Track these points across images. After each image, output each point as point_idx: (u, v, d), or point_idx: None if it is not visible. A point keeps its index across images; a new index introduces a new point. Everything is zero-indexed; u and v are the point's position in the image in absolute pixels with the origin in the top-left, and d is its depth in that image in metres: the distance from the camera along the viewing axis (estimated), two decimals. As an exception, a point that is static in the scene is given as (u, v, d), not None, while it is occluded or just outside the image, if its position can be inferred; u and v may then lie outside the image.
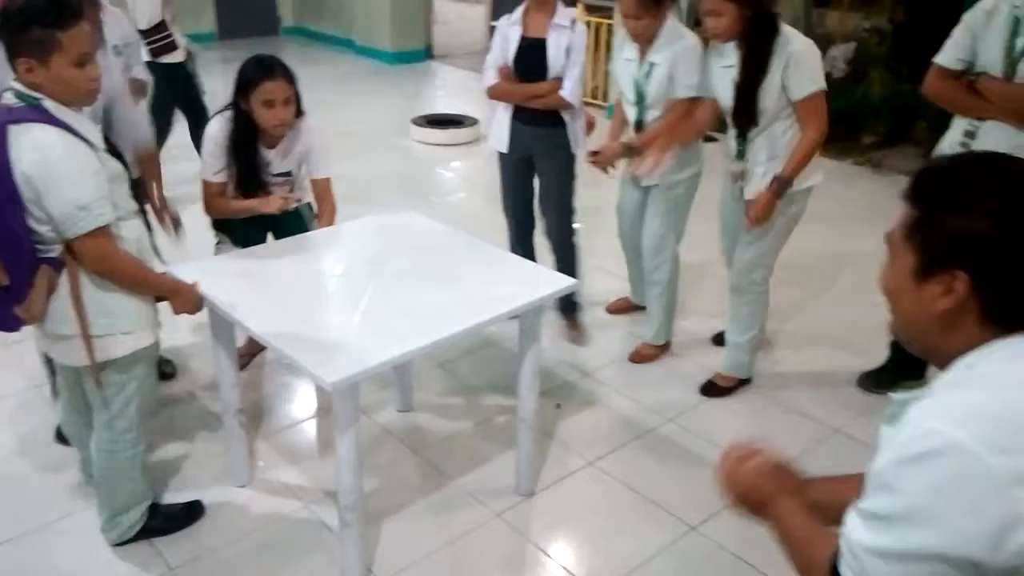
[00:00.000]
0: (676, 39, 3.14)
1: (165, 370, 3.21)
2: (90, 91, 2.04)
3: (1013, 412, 0.96)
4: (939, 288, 1.05)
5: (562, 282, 2.61)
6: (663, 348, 3.64)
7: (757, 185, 3.00)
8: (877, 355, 3.38)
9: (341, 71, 9.10)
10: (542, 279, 2.63)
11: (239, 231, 3.03)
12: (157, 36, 4.69)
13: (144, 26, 4.59)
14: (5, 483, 2.74)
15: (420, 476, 2.85)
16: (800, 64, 2.79)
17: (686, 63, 3.13)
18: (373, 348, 2.12)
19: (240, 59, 2.90)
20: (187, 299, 2.30)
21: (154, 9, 4.65)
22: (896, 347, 3.32)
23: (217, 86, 4.98)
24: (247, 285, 2.46)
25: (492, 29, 9.68)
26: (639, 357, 3.60)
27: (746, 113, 2.91)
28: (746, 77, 2.85)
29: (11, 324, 2.13)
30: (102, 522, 2.45)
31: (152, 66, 4.28)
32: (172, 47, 4.77)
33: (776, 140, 2.94)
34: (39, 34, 1.91)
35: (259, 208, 2.93)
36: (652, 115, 3.28)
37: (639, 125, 3.34)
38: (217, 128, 2.90)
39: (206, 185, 2.96)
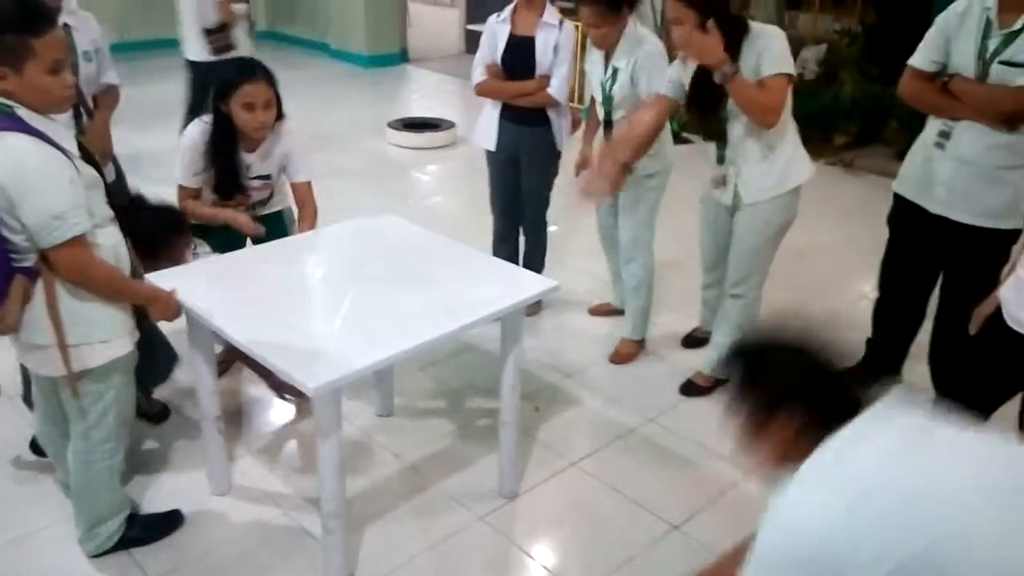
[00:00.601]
0: (637, 44, 3.19)
1: (155, 409, 3.13)
2: (64, 98, 2.02)
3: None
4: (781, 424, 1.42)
5: (543, 284, 2.61)
6: (640, 344, 3.66)
7: (757, 190, 3.00)
8: (856, 346, 3.42)
9: (316, 75, 9.05)
10: (524, 281, 2.63)
11: (218, 236, 3.00)
12: (218, 35, 4.85)
13: (209, 25, 4.80)
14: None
15: (402, 481, 2.84)
16: (768, 48, 2.78)
17: (648, 67, 3.17)
18: (355, 353, 2.11)
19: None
20: (165, 306, 2.28)
21: (217, 10, 4.81)
22: (872, 345, 3.37)
23: (183, 91, 4.99)
24: (225, 291, 2.44)
25: (467, 32, 9.67)
26: (619, 357, 3.62)
27: (712, 115, 2.94)
28: (710, 83, 2.84)
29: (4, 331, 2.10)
30: (80, 533, 2.42)
31: (213, 65, 4.62)
32: (230, 47, 4.88)
33: (767, 139, 2.93)
34: (13, 41, 1.88)
35: (228, 220, 2.93)
36: (619, 115, 3.33)
37: (608, 124, 3.39)
38: (195, 132, 2.87)
39: (181, 189, 2.95)
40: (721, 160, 3.05)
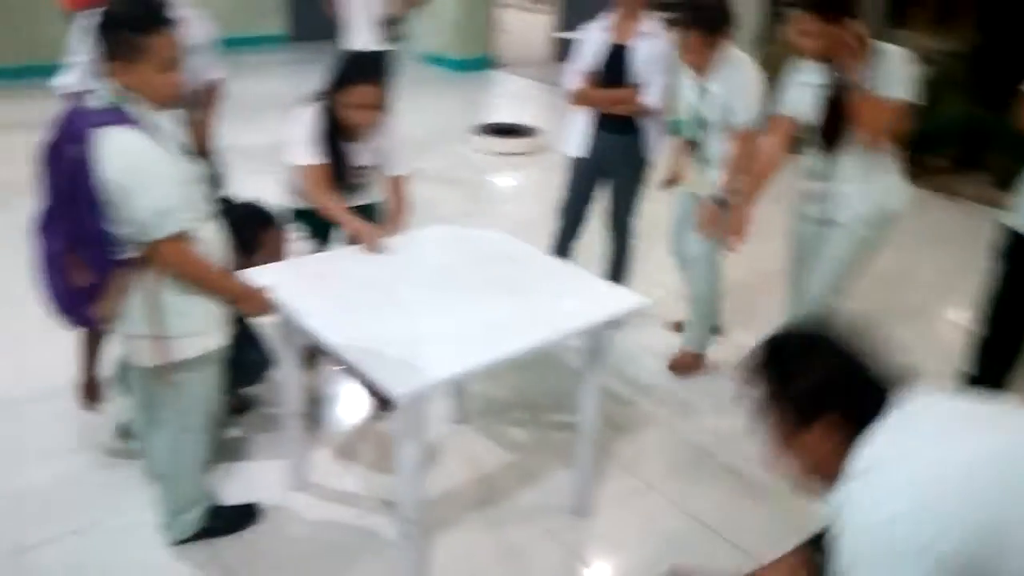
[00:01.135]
0: (733, 68, 3.12)
1: (238, 402, 3.17)
2: (173, 95, 2.08)
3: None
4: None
5: (633, 300, 2.56)
6: (700, 358, 3.61)
7: (856, 209, 2.93)
8: (943, 376, 3.28)
9: (405, 77, 9.15)
10: (613, 296, 2.59)
11: (314, 222, 3.06)
12: (392, 27, 5.31)
13: (384, 18, 5.22)
14: (65, 479, 2.78)
15: (473, 489, 2.83)
16: (895, 71, 2.75)
17: (743, 92, 3.11)
18: (442, 360, 2.10)
19: (310, 62, 2.93)
20: (257, 304, 2.31)
21: (392, 3, 5.27)
22: (972, 381, 3.21)
23: (284, 88, 5.06)
24: (318, 290, 2.46)
25: (557, 39, 9.63)
26: (676, 365, 3.59)
27: (836, 130, 2.86)
28: (840, 94, 2.79)
29: (88, 322, 2.17)
30: (161, 521, 2.47)
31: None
32: (401, 38, 5.39)
33: (872, 159, 2.86)
34: (129, 39, 1.94)
35: (353, 231, 2.84)
36: (709, 140, 3.25)
37: (694, 145, 3.33)
38: (313, 115, 2.90)
39: (311, 169, 2.90)
40: (819, 175, 2.97)
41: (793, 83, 3.00)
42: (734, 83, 3.11)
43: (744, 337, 3.80)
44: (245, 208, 2.84)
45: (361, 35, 5.13)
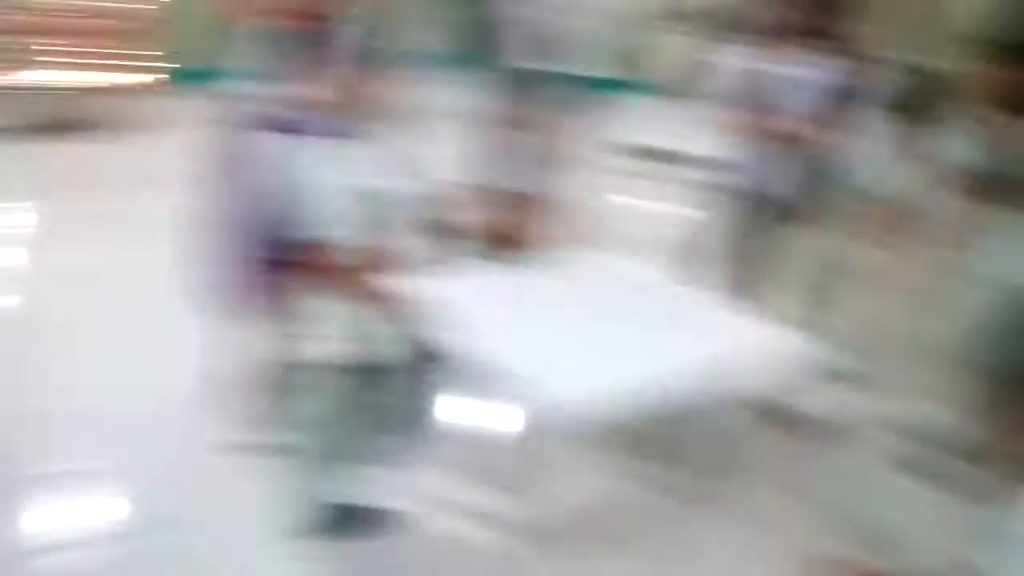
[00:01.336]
0: None
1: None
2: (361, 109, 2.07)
3: None
4: None
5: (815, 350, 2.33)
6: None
7: None
8: None
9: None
10: (791, 344, 2.36)
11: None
12: None
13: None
14: (190, 467, 2.75)
15: (599, 519, 2.67)
16: None
17: None
18: (587, 393, 1.97)
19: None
20: (394, 311, 2.25)
21: None
22: None
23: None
24: (476, 305, 2.36)
25: (710, 64, 9.41)
26: None
27: None
28: None
29: (246, 317, 2.19)
30: (287, 516, 2.43)
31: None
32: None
33: None
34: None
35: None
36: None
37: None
38: None
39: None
40: None
41: None
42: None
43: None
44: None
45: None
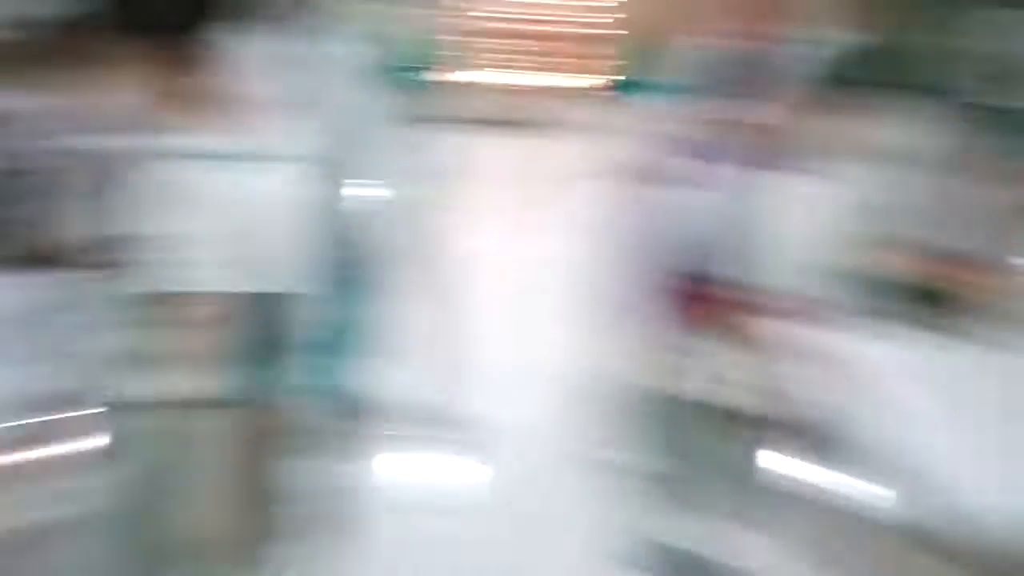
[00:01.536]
0: None
1: None
2: None
3: None
4: None
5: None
6: None
7: None
8: None
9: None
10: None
11: None
12: None
13: None
14: (546, 471, 2.79)
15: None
16: None
17: None
18: None
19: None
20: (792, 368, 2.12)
21: None
22: None
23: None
24: (894, 379, 2.12)
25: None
26: None
27: None
28: None
29: (643, 336, 2.11)
30: (622, 544, 2.37)
31: None
32: None
33: None
34: None
35: None
36: None
37: None
38: None
39: None
40: None
41: None
42: None
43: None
44: None
45: None
